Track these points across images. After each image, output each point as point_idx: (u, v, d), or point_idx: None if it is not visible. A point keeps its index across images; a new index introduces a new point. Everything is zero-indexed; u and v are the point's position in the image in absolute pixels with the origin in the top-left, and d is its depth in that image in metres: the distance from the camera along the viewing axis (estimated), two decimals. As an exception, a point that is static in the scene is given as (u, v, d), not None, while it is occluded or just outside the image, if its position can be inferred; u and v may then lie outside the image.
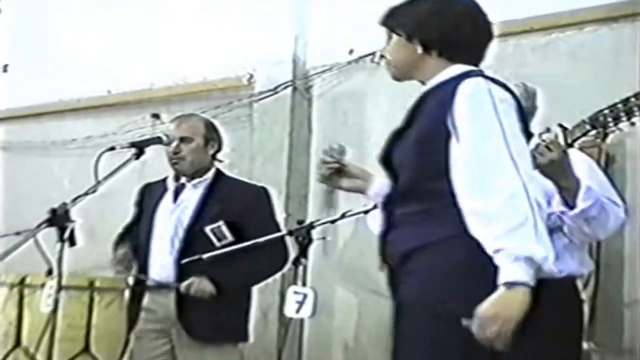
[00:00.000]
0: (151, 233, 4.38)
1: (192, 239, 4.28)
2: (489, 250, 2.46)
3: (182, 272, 4.26)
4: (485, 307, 2.42)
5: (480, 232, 2.50)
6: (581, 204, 3.23)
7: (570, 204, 3.26)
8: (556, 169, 3.16)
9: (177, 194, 4.43)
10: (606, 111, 3.03)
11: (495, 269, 2.47)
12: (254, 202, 4.41)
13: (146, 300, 4.36)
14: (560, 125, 3.18)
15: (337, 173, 3.09)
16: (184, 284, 4.22)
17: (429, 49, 2.81)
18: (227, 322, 4.28)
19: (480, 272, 2.48)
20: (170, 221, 4.36)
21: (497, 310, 2.41)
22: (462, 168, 2.57)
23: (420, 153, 2.67)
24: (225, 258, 4.16)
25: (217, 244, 4.23)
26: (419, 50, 2.81)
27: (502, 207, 2.45)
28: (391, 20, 2.87)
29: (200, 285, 4.21)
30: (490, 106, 2.58)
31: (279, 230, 4.34)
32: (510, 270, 2.41)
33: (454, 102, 2.61)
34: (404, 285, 2.68)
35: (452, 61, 2.80)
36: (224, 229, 4.24)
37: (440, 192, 2.63)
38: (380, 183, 3.06)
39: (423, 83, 2.83)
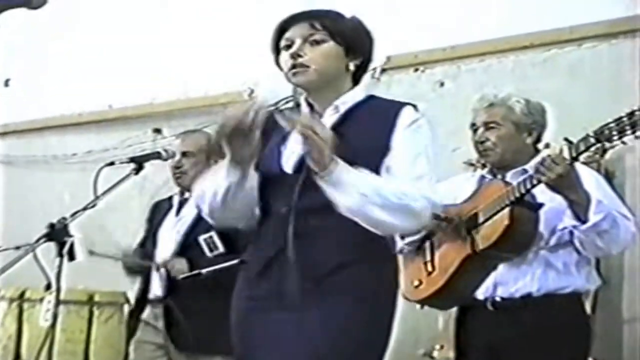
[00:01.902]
0: (155, 249, 4.40)
1: (186, 249, 4.26)
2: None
3: (171, 284, 4.24)
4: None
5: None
6: (593, 217, 3.24)
7: (582, 218, 3.27)
8: (564, 183, 3.18)
9: (180, 208, 4.45)
10: (612, 124, 3.05)
11: None
12: None
13: (146, 313, 4.35)
14: (566, 139, 3.19)
15: (239, 133, 2.72)
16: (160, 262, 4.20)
17: (359, 68, 2.82)
18: (223, 333, 4.24)
19: None
20: (171, 235, 4.37)
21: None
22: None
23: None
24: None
25: (209, 254, 4.18)
26: (352, 66, 2.80)
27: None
28: (331, 26, 2.78)
29: (175, 264, 4.18)
30: (428, 139, 2.70)
31: None
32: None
33: (395, 129, 2.68)
34: (328, 297, 2.62)
35: (356, 83, 2.84)
36: (216, 239, 4.18)
37: None
38: None
39: (311, 96, 2.89)
